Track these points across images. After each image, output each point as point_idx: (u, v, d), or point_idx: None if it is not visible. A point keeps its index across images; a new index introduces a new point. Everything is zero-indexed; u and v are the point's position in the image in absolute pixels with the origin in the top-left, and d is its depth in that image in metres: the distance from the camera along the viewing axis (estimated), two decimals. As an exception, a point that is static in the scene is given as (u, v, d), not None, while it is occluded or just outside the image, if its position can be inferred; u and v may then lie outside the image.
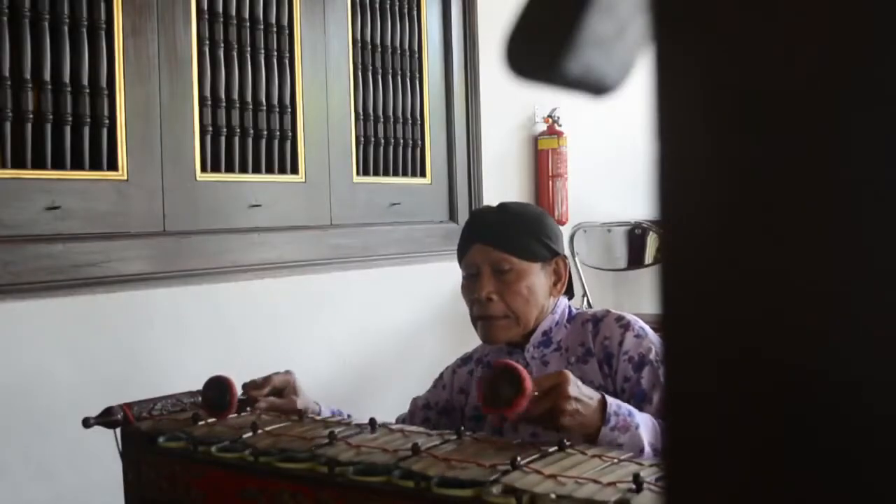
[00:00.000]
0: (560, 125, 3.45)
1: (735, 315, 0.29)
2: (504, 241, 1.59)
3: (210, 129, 2.35)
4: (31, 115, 1.98)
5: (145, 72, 2.20)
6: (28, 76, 1.97)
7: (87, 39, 2.09)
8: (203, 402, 1.45)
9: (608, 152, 3.70)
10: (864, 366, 0.26)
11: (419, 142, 3.02)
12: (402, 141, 2.96)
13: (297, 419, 1.39)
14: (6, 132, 1.94)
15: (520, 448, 1.16)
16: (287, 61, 2.56)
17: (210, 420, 1.39)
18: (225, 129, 2.39)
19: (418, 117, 3.02)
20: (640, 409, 1.48)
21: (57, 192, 2.02)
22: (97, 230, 2.09)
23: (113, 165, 2.13)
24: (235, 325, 2.36)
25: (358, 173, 2.78)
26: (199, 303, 2.29)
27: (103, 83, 2.11)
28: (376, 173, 2.86)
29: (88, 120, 2.09)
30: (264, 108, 2.49)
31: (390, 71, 2.92)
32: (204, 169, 2.34)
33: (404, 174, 2.97)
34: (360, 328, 2.72)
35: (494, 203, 1.72)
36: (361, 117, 2.80)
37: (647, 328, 1.58)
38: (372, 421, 1.31)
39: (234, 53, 2.41)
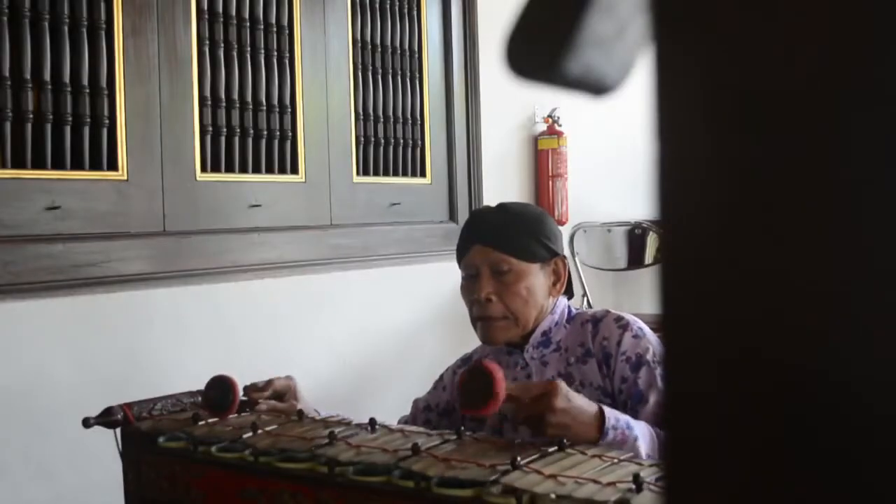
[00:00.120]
0: (560, 125, 3.45)
1: (735, 315, 0.29)
2: (503, 241, 1.59)
3: (210, 129, 2.35)
4: (31, 115, 1.98)
5: (145, 72, 2.20)
6: (28, 76, 1.97)
7: (87, 39, 2.09)
8: (204, 401, 1.45)
9: (608, 152, 3.70)
10: (864, 366, 0.26)
11: (419, 142, 3.02)
12: (402, 141, 2.96)
13: (296, 419, 1.39)
14: (6, 132, 1.94)
15: (520, 448, 1.16)
16: (287, 61, 2.56)
17: (210, 420, 1.39)
18: (225, 129, 2.39)
19: (418, 117, 3.02)
20: (637, 410, 1.47)
21: (57, 192, 2.02)
22: (97, 230, 2.09)
23: (113, 165, 2.13)
24: (235, 325, 2.36)
25: (358, 173, 2.78)
26: (199, 303, 2.29)
27: (103, 83, 2.11)
28: (376, 173, 2.86)
29: (88, 120, 2.09)
30: (264, 108, 2.49)
31: (390, 71, 2.92)
32: (204, 169, 2.34)
33: (404, 174, 2.97)
34: (360, 328, 2.72)
35: (494, 203, 1.72)
36: (361, 117, 2.80)
37: (646, 328, 1.58)
38: (372, 421, 1.31)
39: (234, 53, 2.41)
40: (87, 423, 1.39)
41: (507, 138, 3.37)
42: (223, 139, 2.39)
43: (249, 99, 2.45)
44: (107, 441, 1.41)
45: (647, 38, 0.31)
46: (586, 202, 3.57)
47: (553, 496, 0.96)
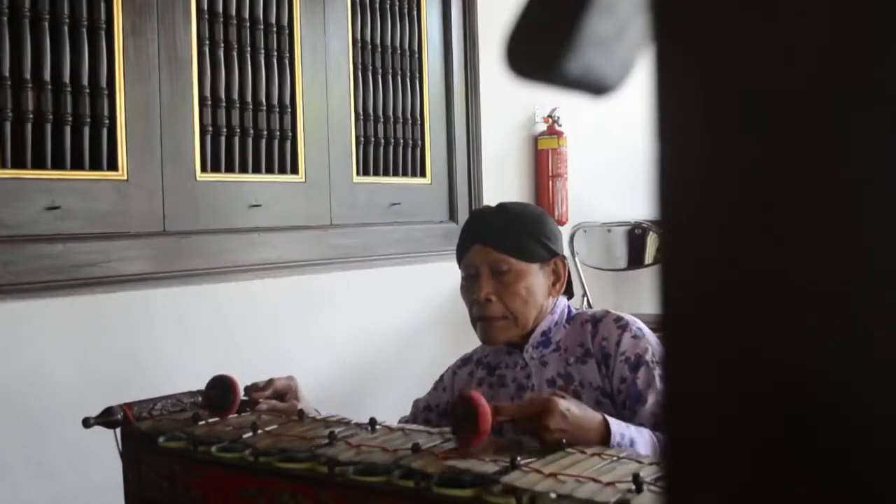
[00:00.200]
0: (560, 125, 3.45)
1: (735, 315, 0.29)
2: (502, 241, 1.59)
3: (210, 129, 2.35)
4: (31, 115, 1.98)
5: (145, 72, 2.20)
6: (28, 76, 1.97)
7: (87, 39, 2.09)
8: (205, 401, 1.45)
9: (608, 152, 3.70)
10: (864, 366, 0.26)
11: (419, 142, 3.02)
12: (402, 141, 2.96)
13: (297, 419, 1.39)
14: (6, 132, 1.94)
15: (520, 448, 1.16)
16: (287, 61, 2.56)
17: (210, 420, 1.39)
18: (225, 129, 2.39)
19: (418, 117, 3.01)
20: (635, 410, 1.47)
21: (57, 192, 2.02)
22: (97, 230, 2.09)
23: (113, 165, 2.13)
24: (235, 325, 2.36)
25: (358, 173, 2.78)
26: (199, 303, 2.29)
27: (103, 83, 2.11)
28: (376, 173, 2.86)
29: (88, 120, 2.09)
30: (264, 108, 2.49)
31: (390, 71, 2.92)
32: (204, 169, 2.34)
33: (404, 174, 2.97)
34: (360, 328, 2.72)
35: (494, 203, 1.72)
36: (361, 117, 2.80)
37: (646, 329, 1.58)
38: (372, 421, 1.31)
39: (234, 53, 2.41)
40: (87, 423, 1.39)
41: (507, 138, 3.37)
42: (223, 139, 2.39)
43: (249, 99, 2.44)
44: (107, 441, 1.41)
45: (647, 38, 0.31)
46: (586, 202, 3.57)
47: (553, 495, 0.96)
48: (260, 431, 1.29)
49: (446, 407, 1.73)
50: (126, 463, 1.38)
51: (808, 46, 0.27)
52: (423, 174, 3.03)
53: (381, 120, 2.88)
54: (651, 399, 1.47)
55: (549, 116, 3.45)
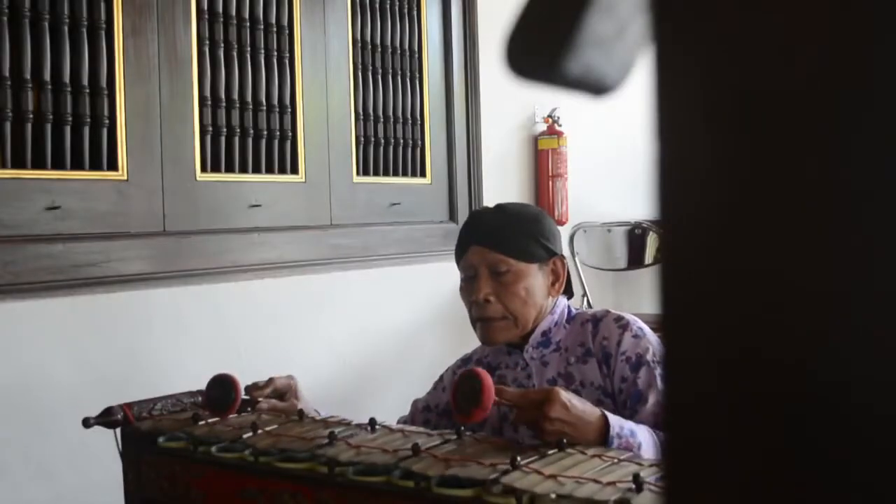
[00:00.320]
0: (560, 125, 3.45)
1: (735, 315, 0.29)
2: (501, 242, 1.59)
3: (210, 129, 2.35)
4: (31, 115, 1.98)
5: (145, 72, 2.20)
6: (28, 76, 1.97)
7: (87, 39, 2.09)
8: (206, 400, 1.46)
9: (608, 152, 3.70)
10: (864, 366, 0.26)
11: (419, 142, 3.02)
12: (402, 141, 2.96)
13: (297, 419, 1.39)
14: (6, 132, 1.94)
15: (520, 448, 1.16)
16: (287, 61, 2.56)
17: (210, 420, 1.39)
18: (225, 129, 2.39)
19: (418, 117, 3.01)
20: (636, 409, 1.47)
21: (57, 192, 2.02)
22: (97, 230, 2.09)
23: (113, 165, 2.13)
24: (235, 325, 2.36)
25: (358, 173, 2.78)
26: (199, 303, 2.29)
27: (103, 83, 2.11)
28: (376, 173, 2.86)
29: (88, 120, 2.09)
30: (264, 108, 2.49)
31: (390, 71, 2.92)
32: (204, 169, 2.34)
33: (404, 174, 2.97)
34: (360, 328, 2.72)
35: (494, 203, 1.72)
36: (361, 117, 2.80)
37: (646, 328, 1.58)
38: (372, 421, 1.31)
39: (234, 53, 2.41)
40: (87, 423, 1.39)
41: (507, 138, 3.37)
42: (223, 139, 2.39)
43: (249, 99, 2.44)
44: (107, 441, 1.41)
45: (647, 38, 0.31)
46: (586, 202, 3.57)
47: (553, 496, 0.96)
48: (260, 431, 1.29)
49: (446, 407, 1.73)
50: (126, 463, 1.38)
51: (808, 46, 0.27)
52: (423, 174, 3.03)
53: (381, 120, 2.88)
54: (652, 399, 1.47)
55: (549, 116, 3.45)
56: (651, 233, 3.45)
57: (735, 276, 0.29)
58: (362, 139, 2.81)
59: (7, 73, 1.93)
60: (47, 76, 2.00)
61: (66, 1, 2.04)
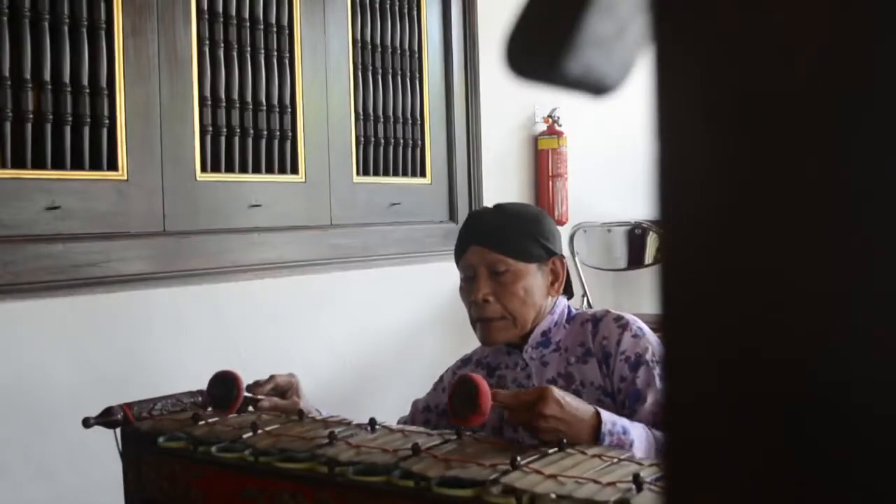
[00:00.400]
0: (560, 125, 3.45)
1: (735, 315, 0.29)
2: (499, 242, 1.59)
3: (210, 129, 2.35)
4: (31, 115, 1.98)
5: (145, 72, 2.20)
6: (28, 76, 1.97)
7: (87, 39, 2.09)
8: (208, 396, 1.46)
9: (608, 152, 3.70)
10: (864, 366, 0.26)
11: (419, 142, 3.02)
12: (402, 141, 2.96)
13: (297, 419, 1.39)
14: (6, 132, 1.94)
15: (520, 448, 1.16)
16: (287, 61, 2.56)
17: (210, 420, 1.39)
18: (225, 129, 2.39)
19: (418, 117, 3.01)
20: (635, 409, 1.47)
21: (57, 192, 2.02)
22: (97, 230, 2.09)
23: (113, 165, 2.13)
24: (235, 325, 2.36)
25: (358, 173, 2.78)
26: (199, 303, 2.29)
27: (103, 83, 2.11)
28: (376, 173, 2.86)
29: (88, 120, 2.09)
30: (264, 108, 2.49)
31: (390, 71, 2.92)
32: (204, 169, 2.34)
33: (404, 174, 2.97)
34: (360, 328, 2.72)
35: (494, 203, 1.73)
36: (361, 117, 2.80)
37: (646, 328, 1.58)
38: (372, 421, 1.31)
39: (234, 53, 2.41)
40: (87, 423, 1.39)
41: (507, 138, 3.37)
42: (223, 139, 2.39)
43: (249, 99, 2.44)
44: (107, 441, 1.41)
45: (647, 38, 0.31)
46: (586, 202, 3.57)
47: (553, 496, 0.96)
48: (260, 431, 1.29)
49: (446, 407, 1.73)
50: (126, 463, 1.38)
51: (808, 46, 0.27)
52: (423, 174, 3.03)
53: (381, 120, 2.88)
54: (650, 398, 1.47)
55: (549, 116, 3.45)
56: (651, 233, 3.45)
57: (735, 276, 0.29)
58: (362, 139, 2.81)
59: (7, 73, 1.93)
60: (47, 76, 2.00)
61: (66, 1, 2.04)
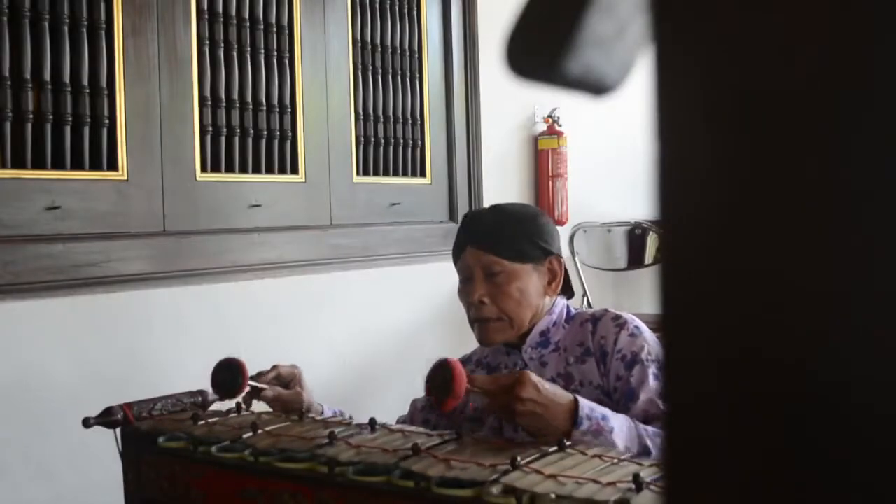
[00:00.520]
0: (560, 125, 3.45)
1: (735, 315, 0.29)
2: (493, 243, 1.59)
3: (210, 129, 2.35)
4: (31, 115, 1.98)
5: (145, 72, 2.20)
6: (28, 76, 1.97)
7: (87, 39, 2.09)
8: (213, 384, 1.49)
9: (608, 152, 3.70)
10: (864, 366, 0.26)
11: (419, 142, 3.02)
12: (402, 141, 2.96)
13: (297, 419, 1.39)
14: (6, 132, 1.94)
15: (520, 448, 1.16)
16: (287, 61, 2.56)
17: (210, 420, 1.40)
18: (225, 129, 2.39)
19: (418, 117, 3.01)
20: (628, 407, 1.47)
21: (57, 192, 2.02)
22: (97, 230, 2.09)
23: (113, 165, 2.13)
24: (235, 325, 2.36)
25: (358, 173, 2.78)
26: (199, 303, 2.29)
27: (103, 83, 2.11)
28: (376, 173, 2.86)
29: (88, 120, 2.09)
30: (264, 108, 2.49)
31: (390, 71, 2.92)
32: (204, 169, 2.34)
33: (404, 174, 2.97)
34: (360, 328, 2.72)
35: (493, 204, 1.73)
36: (361, 117, 2.80)
37: (644, 327, 1.58)
38: (372, 421, 1.31)
39: (234, 53, 2.41)
40: (87, 423, 1.39)
41: (507, 138, 3.37)
42: (223, 139, 2.39)
43: (249, 99, 2.44)
44: (107, 441, 1.41)
45: (647, 38, 0.31)
46: (586, 202, 3.57)
47: (553, 496, 0.96)
48: (260, 431, 1.29)
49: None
50: (126, 463, 1.38)
51: (808, 46, 0.27)
52: (423, 174, 3.03)
53: (381, 120, 2.88)
54: (643, 396, 1.47)
55: (549, 116, 3.45)
56: (651, 233, 3.45)
57: (735, 276, 0.29)
58: (362, 139, 2.81)
59: (7, 73, 1.93)
60: (47, 76, 2.00)
61: (66, 1, 2.04)
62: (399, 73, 2.95)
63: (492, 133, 3.24)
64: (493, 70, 3.16)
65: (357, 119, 2.78)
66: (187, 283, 2.26)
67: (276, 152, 2.53)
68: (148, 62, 2.21)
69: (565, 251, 1.77)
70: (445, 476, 1.04)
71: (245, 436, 1.28)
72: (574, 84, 0.33)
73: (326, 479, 1.13)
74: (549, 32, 0.32)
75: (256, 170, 2.47)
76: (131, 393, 1.49)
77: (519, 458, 1.07)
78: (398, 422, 1.67)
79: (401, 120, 2.95)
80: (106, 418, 1.40)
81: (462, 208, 3.10)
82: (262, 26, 2.48)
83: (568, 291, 1.71)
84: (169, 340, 2.21)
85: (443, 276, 2.71)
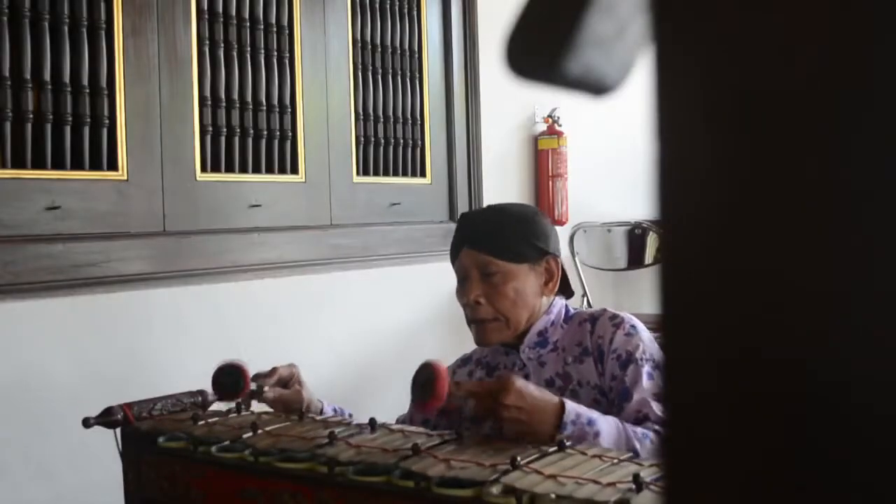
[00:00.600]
0: (560, 125, 3.45)
1: (735, 315, 0.29)
2: (489, 243, 1.59)
3: (210, 129, 2.35)
4: (31, 115, 1.98)
5: (145, 72, 2.20)
6: (28, 76, 1.97)
7: (87, 39, 2.09)
8: (215, 386, 1.49)
9: (608, 152, 3.70)
10: (864, 366, 0.26)
11: (419, 142, 3.02)
12: (402, 141, 2.96)
13: (296, 419, 1.39)
14: (6, 132, 1.94)
15: (520, 448, 1.16)
16: (287, 61, 2.56)
17: (210, 420, 1.40)
18: (225, 129, 2.39)
19: (418, 117, 3.01)
20: (622, 407, 1.47)
21: (57, 192, 2.02)
22: (97, 230, 2.09)
23: (113, 165, 2.13)
24: (235, 325, 2.36)
25: (358, 173, 2.78)
26: (199, 303, 2.29)
27: (103, 83, 2.11)
28: (376, 173, 2.86)
29: (88, 120, 2.08)
30: (264, 108, 2.49)
31: (390, 71, 2.92)
32: (204, 169, 2.34)
33: (404, 174, 2.97)
34: (360, 328, 2.72)
35: (492, 204, 1.73)
36: (361, 117, 2.80)
37: (640, 327, 1.58)
38: (372, 421, 1.31)
39: (234, 53, 2.41)
40: (87, 423, 1.39)
41: (507, 138, 3.37)
42: (223, 139, 2.39)
43: (249, 99, 2.44)
44: (107, 441, 1.41)
45: (647, 38, 0.31)
46: (586, 202, 3.57)
47: (553, 496, 0.96)
48: (260, 431, 1.29)
49: (445, 406, 1.73)
50: (126, 463, 1.38)
51: (808, 46, 0.27)
52: (423, 174, 3.03)
53: (381, 120, 2.88)
54: (636, 396, 1.47)
55: (549, 116, 3.45)
56: (651, 233, 3.45)
57: (735, 276, 0.29)
58: (362, 139, 2.81)
59: (7, 73, 1.93)
60: (47, 76, 2.00)
61: (66, 1, 2.04)
62: (399, 73, 2.95)
63: (492, 133, 3.24)
64: (493, 70, 3.16)
65: (357, 119, 2.78)
66: (187, 283, 2.26)
67: (276, 152, 2.53)
68: (148, 62, 2.21)
69: (565, 251, 1.77)
70: (445, 476, 1.04)
71: (245, 436, 1.28)
72: (574, 84, 0.33)
73: (326, 479, 1.13)
74: (549, 32, 0.32)
75: (256, 170, 2.47)
76: (131, 393, 1.49)
77: (519, 458, 1.07)
78: (398, 422, 1.68)
79: (401, 120, 2.95)
80: (106, 418, 1.40)
81: (462, 208, 3.10)
82: (262, 26, 2.48)
83: (566, 291, 1.71)
84: (169, 340, 2.21)
85: (443, 276, 2.71)
